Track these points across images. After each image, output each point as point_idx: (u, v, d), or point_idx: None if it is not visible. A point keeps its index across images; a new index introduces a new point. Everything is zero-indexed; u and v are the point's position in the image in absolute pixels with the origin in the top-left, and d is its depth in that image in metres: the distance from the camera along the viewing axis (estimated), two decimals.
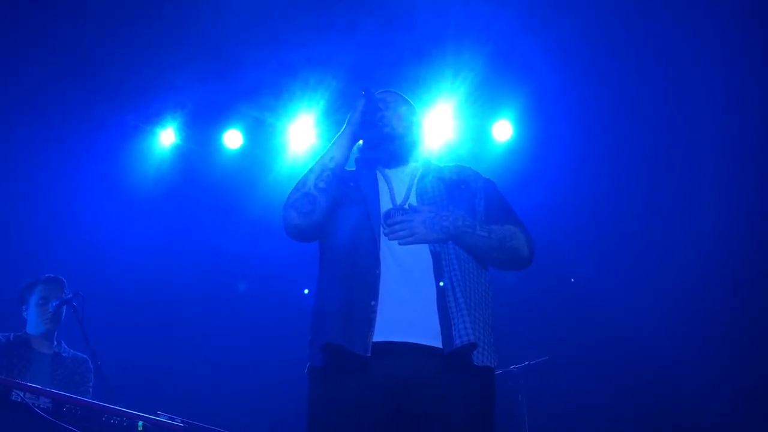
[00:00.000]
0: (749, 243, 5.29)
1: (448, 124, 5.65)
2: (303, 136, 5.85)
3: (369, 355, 2.09)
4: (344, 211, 2.39)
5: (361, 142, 2.60)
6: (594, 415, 5.35)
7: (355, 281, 2.21)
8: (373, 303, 2.15)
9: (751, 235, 5.28)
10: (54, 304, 3.82)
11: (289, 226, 2.40)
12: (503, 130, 5.78)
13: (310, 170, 2.42)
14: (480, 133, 5.81)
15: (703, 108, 5.24)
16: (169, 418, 3.23)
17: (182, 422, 3.25)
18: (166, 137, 5.99)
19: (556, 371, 4.92)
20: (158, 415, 3.21)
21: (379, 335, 2.12)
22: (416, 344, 2.13)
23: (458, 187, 2.47)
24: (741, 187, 5.31)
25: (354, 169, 2.60)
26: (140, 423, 3.07)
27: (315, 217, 2.37)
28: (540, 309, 5.72)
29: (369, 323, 2.13)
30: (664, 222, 5.62)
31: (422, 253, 2.26)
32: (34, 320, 3.91)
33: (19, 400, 2.79)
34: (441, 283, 2.20)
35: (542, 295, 5.68)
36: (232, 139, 5.96)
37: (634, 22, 5.03)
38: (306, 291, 6.15)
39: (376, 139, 2.54)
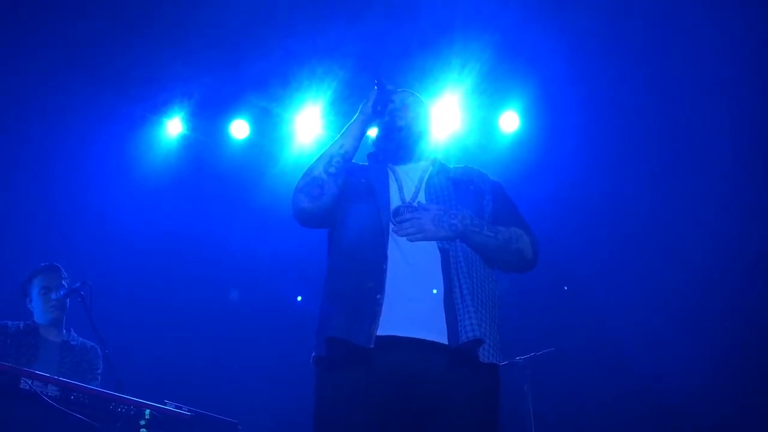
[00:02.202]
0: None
1: (455, 115, 5.63)
2: (310, 126, 5.85)
3: (372, 346, 2.11)
4: (354, 206, 2.41)
5: (373, 134, 2.62)
6: (599, 406, 5.36)
7: (362, 275, 2.23)
8: (378, 297, 2.17)
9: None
10: (61, 292, 3.84)
11: (298, 211, 2.42)
12: (510, 122, 5.77)
13: (321, 156, 2.45)
14: (487, 125, 5.79)
15: (713, 99, 5.21)
16: (176, 407, 3.25)
17: (189, 411, 3.27)
18: (173, 127, 6.00)
19: (562, 362, 4.92)
20: (165, 404, 3.23)
21: (384, 329, 2.14)
22: (422, 340, 2.15)
23: (467, 188, 2.50)
24: (753, 183, 5.30)
25: (365, 164, 2.62)
26: (147, 411, 3.08)
27: (324, 201, 2.39)
28: (546, 300, 5.71)
29: (373, 316, 2.14)
30: (671, 215, 5.60)
31: (430, 249, 2.28)
32: (39, 310, 3.92)
33: (27, 388, 2.80)
34: (434, 291, 2.21)
35: (549, 286, 5.67)
36: (239, 129, 5.97)
37: (643, 13, 5.00)
38: (299, 298, 6.17)
39: (386, 130, 2.57)
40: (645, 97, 5.46)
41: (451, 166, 2.64)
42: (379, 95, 2.51)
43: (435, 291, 2.21)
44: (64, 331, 3.97)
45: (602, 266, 5.63)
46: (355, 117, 2.53)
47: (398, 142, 2.56)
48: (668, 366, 5.29)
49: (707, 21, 4.87)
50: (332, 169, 2.40)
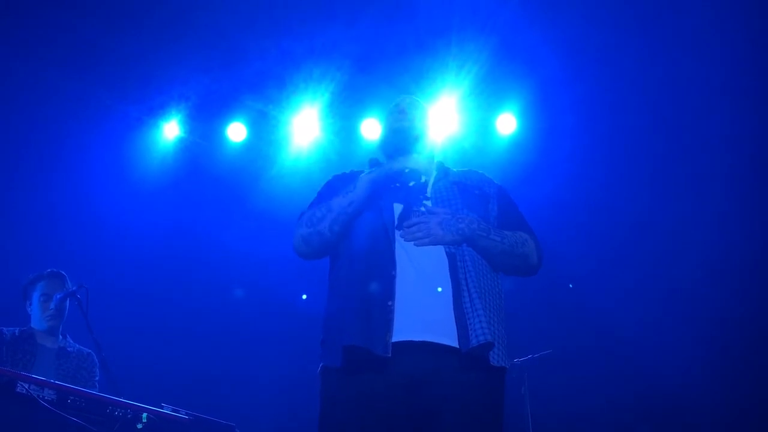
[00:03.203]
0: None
1: (452, 117, 5.63)
2: (307, 128, 5.84)
3: (389, 355, 2.11)
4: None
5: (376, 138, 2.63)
6: (597, 408, 5.35)
7: (371, 282, 2.23)
8: (390, 303, 2.17)
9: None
10: (57, 296, 3.81)
11: (298, 254, 2.49)
12: (507, 124, 5.77)
13: (330, 209, 2.41)
14: (484, 127, 5.80)
15: (711, 101, 5.21)
16: (173, 411, 3.24)
17: (186, 414, 3.26)
18: (170, 130, 5.99)
19: (560, 364, 4.92)
20: (162, 407, 3.22)
21: (397, 335, 2.14)
22: (433, 343, 2.16)
23: (472, 192, 2.50)
24: (753, 183, 5.30)
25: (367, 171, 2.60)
26: (144, 415, 3.07)
27: (324, 252, 2.45)
28: (544, 302, 5.71)
29: (387, 324, 2.14)
30: (669, 215, 5.60)
31: (438, 254, 2.29)
32: (37, 316, 3.91)
33: (24, 391, 2.79)
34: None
35: (546, 288, 5.67)
36: (236, 131, 5.96)
37: (640, 13, 5.00)
38: (304, 296, 6.16)
39: (386, 133, 2.59)
40: (642, 99, 5.47)
41: (456, 170, 2.64)
42: (394, 174, 2.45)
43: (442, 293, 2.21)
44: (60, 337, 3.95)
45: (600, 268, 5.63)
46: (368, 175, 2.45)
47: (395, 145, 2.55)
48: (666, 367, 5.29)
49: (705, 23, 4.88)
50: (337, 228, 2.39)
